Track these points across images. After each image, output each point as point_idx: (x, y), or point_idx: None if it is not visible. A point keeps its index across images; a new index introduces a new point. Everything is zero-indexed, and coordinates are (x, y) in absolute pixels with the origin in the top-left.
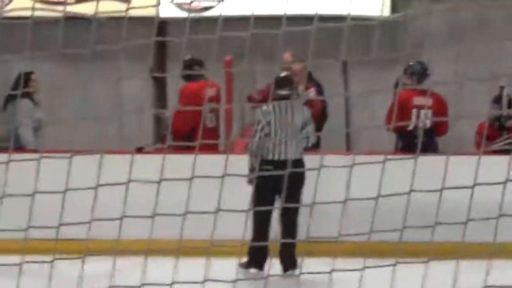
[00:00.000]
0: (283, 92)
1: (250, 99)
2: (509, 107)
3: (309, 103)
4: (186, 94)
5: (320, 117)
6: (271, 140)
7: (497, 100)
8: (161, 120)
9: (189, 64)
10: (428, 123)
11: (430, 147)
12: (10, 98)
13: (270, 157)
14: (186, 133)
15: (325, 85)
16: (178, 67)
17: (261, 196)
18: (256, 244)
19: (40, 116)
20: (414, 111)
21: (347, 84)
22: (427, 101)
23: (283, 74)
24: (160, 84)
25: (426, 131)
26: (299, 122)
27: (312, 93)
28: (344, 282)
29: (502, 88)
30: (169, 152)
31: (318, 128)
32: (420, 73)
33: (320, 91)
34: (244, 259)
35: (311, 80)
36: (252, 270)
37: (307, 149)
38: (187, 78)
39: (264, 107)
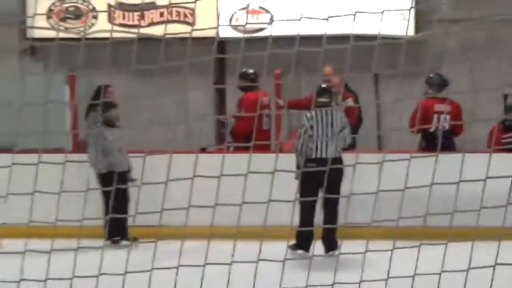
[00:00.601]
0: (323, 99)
1: (289, 103)
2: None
3: (347, 110)
4: (247, 102)
5: (356, 122)
6: (313, 141)
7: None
8: (224, 124)
9: (246, 77)
10: (447, 126)
11: (448, 147)
12: (91, 108)
13: (313, 156)
14: (247, 135)
15: (359, 94)
16: (235, 79)
17: (306, 189)
18: (303, 229)
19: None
20: (435, 116)
21: (378, 93)
22: (446, 107)
23: (323, 85)
24: (220, 94)
25: (445, 133)
26: (337, 125)
27: (350, 102)
28: (377, 261)
29: (506, 96)
30: (228, 152)
31: (355, 131)
32: (439, 83)
33: (356, 100)
34: (293, 242)
35: (348, 91)
36: (299, 251)
37: (345, 149)
38: (244, 89)
39: (308, 113)
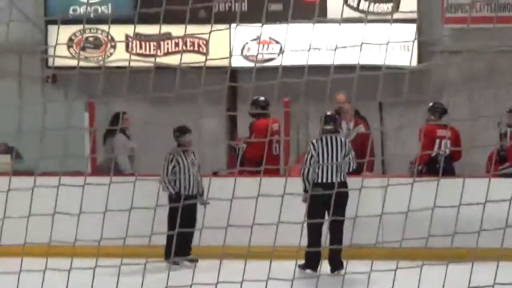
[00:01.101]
0: (328, 127)
1: None
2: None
3: (359, 136)
4: (258, 128)
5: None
6: (319, 166)
7: (505, 134)
8: (236, 150)
9: (257, 104)
10: (448, 151)
11: (448, 171)
12: (108, 133)
13: (319, 181)
14: (257, 160)
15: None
16: (246, 107)
17: (313, 212)
18: (311, 249)
19: (133, 147)
20: (437, 141)
21: (382, 120)
22: (447, 132)
23: (328, 112)
24: (232, 121)
25: (445, 158)
26: (342, 151)
27: (362, 128)
28: (380, 281)
29: (499, 123)
30: (239, 175)
31: (362, 155)
32: (441, 111)
33: (367, 126)
34: (302, 262)
35: (359, 117)
36: (308, 271)
37: (350, 173)
38: (255, 115)
39: (314, 140)
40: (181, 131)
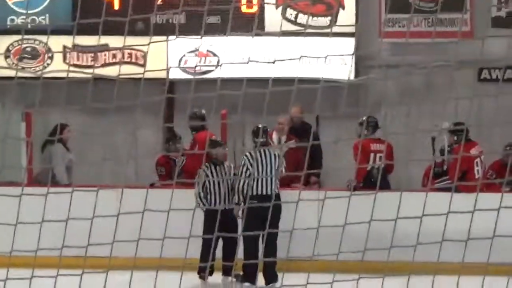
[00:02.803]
0: (261, 139)
1: None
2: (443, 154)
3: (290, 151)
4: (202, 141)
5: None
6: (254, 179)
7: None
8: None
9: (198, 117)
10: (382, 165)
11: (383, 185)
12: (47, 143)
13: (255, 193)
14: (196, 172)
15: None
16: (184, 118)
17: (251, 224)
18: (249, 262)
19: (71, 158)
20: (372, 155)
21: (319, 133)
22: (381, 146)
23: (259, 125)
24: (169, 133)
25: (380, 172)
26: (275, 164)
27: (292, 143)
28: None
29: (433, 138)
30: (176, 187)
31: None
32: (374, 125)
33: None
34: (239, 272)
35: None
36: (246, 284)
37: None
38: (196, 129)
39: (247, 153)
40: (213, 144)
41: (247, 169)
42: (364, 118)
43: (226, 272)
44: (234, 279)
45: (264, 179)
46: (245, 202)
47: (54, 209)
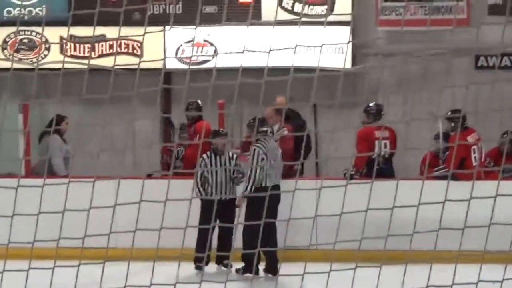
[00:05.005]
0: (265, 128)
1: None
2: (445, 141)
3: (282, 139)
4: (201, 130)
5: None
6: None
7: (437, 136)
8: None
9: (196, 107)
10: (388, 152)
11: (389, 172)
12: (44, 134)
13: (265, 184)
14: (196, 161)
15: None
16: (180, 109)
17: (257, 214)
18: (250, 252)
19: (68, 149)
20: (377, 142)
21: (316, 122)
22: (385, 133)
23: (259, 116)
24: (166, 123)
25: (386, 159)
26: (279, 153)
27: (285, 131)
28: (314, 283)
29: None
30: (173, 177)
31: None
32: (376, 113)
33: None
34: (240, 266)
35: (296, 120)
36: (248, 275)
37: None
38: (195, 118)
39: (258, 143)
40: (214, 133)
41: (262, 159)
42: (371, 104)
43: (221, 261)
44: (229, 269)
45: (274, 169)
46: (252, 192)
47: (52, 200)
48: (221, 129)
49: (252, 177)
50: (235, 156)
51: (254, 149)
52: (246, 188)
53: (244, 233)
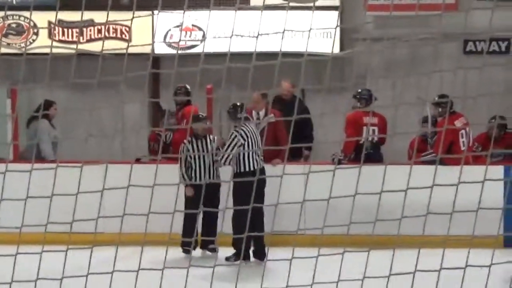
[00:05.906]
0: (245, 115)
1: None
2: (433, 125)
3: (272, 125)
4: (189, 116)
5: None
6: (248, 153)
7: (425, 120)
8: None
9: (185, 92)
10: (376, 138)
11: (377, 158)
12: (32, 119)
13: (248, 168)
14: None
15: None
16: (169, 94)
17: (247, 200)
18: (239, 237)
19: (56, 134)
20: (364, 128)
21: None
22: (373, 119)
23: (238, 103)
24: (154, 107)
25: (374, 144)
26: (260, 138)
27: (272, 117)
28: (302, 267)
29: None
30: (161, 162)
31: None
32: (367, 98)
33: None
34: (230, 254)
35: (301, 104)
36: (238, 262)
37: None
38: (184, 103)
39: (238, 128)
40: (194, 118)
41: (241, 144)
42: (361, 90)
43: (206, 246)
44: (216, 253)
45: (255, 154)
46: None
47: (40, 185)
48: (201, 114)
49: (227, 158)
50: (215, 138)
51: (232, 133)
52: (236, 172)
53: (233, 219)
